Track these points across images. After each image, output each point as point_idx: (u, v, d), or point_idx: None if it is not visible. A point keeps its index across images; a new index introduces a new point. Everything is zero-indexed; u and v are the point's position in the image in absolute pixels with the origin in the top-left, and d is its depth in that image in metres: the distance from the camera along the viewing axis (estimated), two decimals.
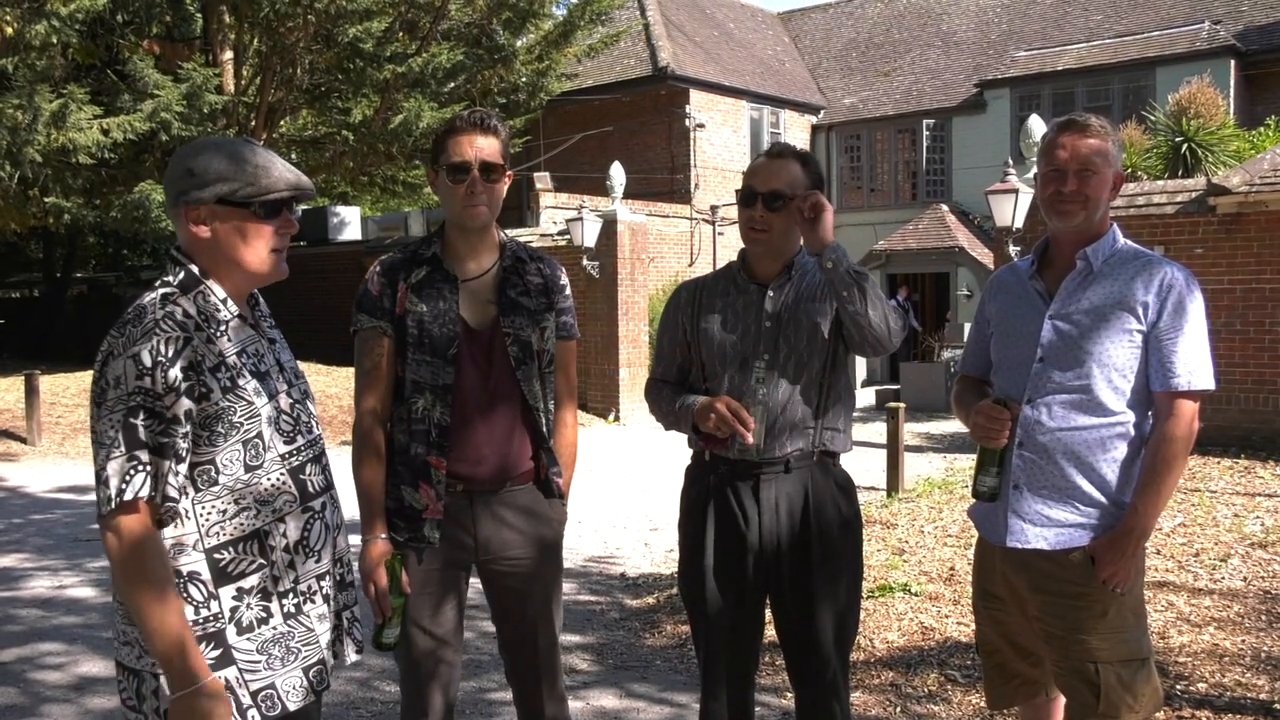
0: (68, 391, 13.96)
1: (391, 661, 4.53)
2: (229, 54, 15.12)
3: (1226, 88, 16.66)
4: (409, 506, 2.48)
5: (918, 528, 6.82)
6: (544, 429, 2.56)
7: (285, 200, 1.94)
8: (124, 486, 1.75)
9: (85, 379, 15.01)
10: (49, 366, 16.23)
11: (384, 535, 2.46)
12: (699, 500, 2.63)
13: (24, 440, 11.84)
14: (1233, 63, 17.72)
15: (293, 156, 16.05)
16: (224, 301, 1.92)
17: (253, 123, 14.94)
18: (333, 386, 14.16)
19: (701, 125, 20.26)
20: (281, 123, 15.83)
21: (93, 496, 1.83)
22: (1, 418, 12.63)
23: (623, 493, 8.71)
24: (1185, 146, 11.99)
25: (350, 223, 20.50)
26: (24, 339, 24.45)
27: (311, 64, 15.07)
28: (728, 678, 2.62)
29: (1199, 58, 17.56)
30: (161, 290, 1.88)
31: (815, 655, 2.58)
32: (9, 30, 11.85)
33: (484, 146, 2.45)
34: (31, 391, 11.85)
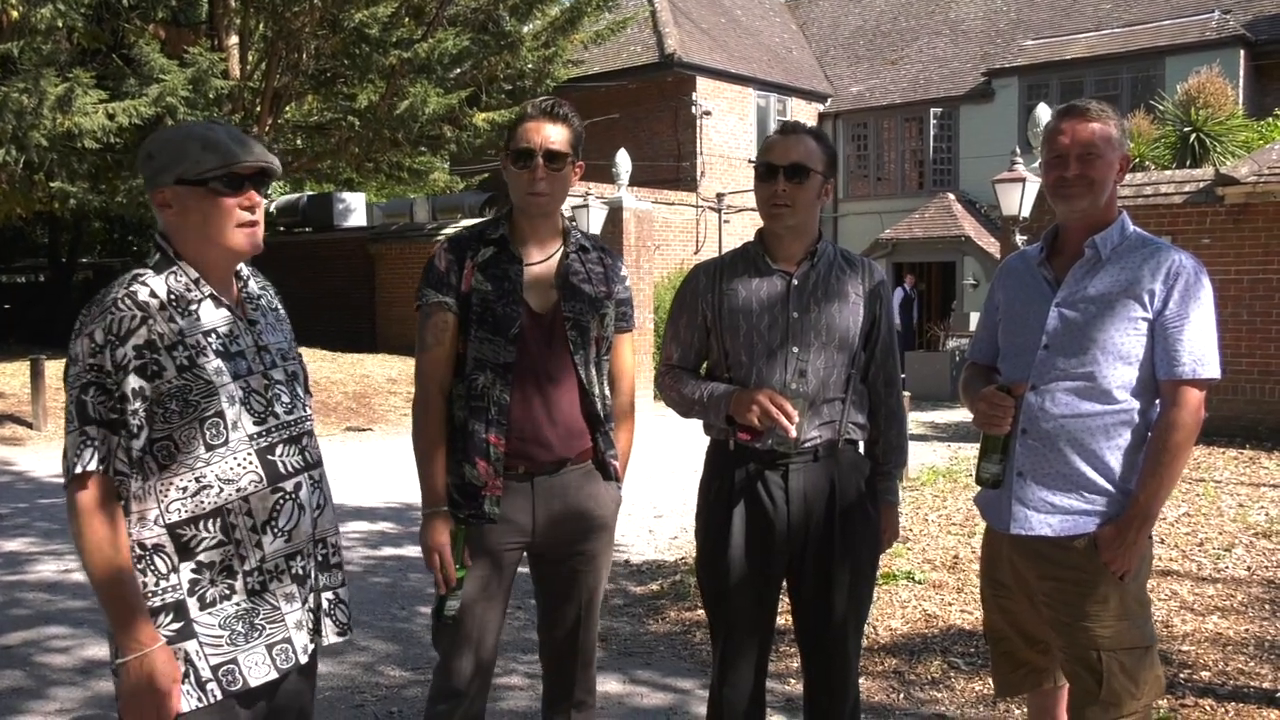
0: None
1: (397, 645, 4.56)
2: (234, 39, 15.07)
3: (1236, 78, 16.56)
4: (469, 483, 2.51)
5: (921, 516, 6.83)
6: (600, 413, 2.60)
7: (246, 175, 1.95)
8: (75, 460, 1.81)
9: None
10: (55, 352, 16.16)
11: (445, 508, 2.49)
12: (724, 490, 2.61)
13: (30, 425, 11.87)
14: (1242, 52, 17.62)
15: (298, 142, 15.99)
16: (196, 282, 1.95)
17: (258, 108, 14.90)
18: (337, 373, 14.10)
19: (708, 113, 20.19)
20: (287, 108, 15.76)
21: None
22: (7, 402, 12.66)
23: (627, 480, 8.70)
24: (1194, 136, 11.93)
25: (356, 209, 20.43)
26: (30, 324, 24.42)
27: (317, 49, 14.99)
28: (744, 665, 2.63)
29: (1208, 47, 17.45)
30: (133, 272, 1.93)
31: (830, 635, 2.60)
32: (14, 14, 11.82)
33: (551, 134, 2.49)
34: (37, 376, 11.87)
